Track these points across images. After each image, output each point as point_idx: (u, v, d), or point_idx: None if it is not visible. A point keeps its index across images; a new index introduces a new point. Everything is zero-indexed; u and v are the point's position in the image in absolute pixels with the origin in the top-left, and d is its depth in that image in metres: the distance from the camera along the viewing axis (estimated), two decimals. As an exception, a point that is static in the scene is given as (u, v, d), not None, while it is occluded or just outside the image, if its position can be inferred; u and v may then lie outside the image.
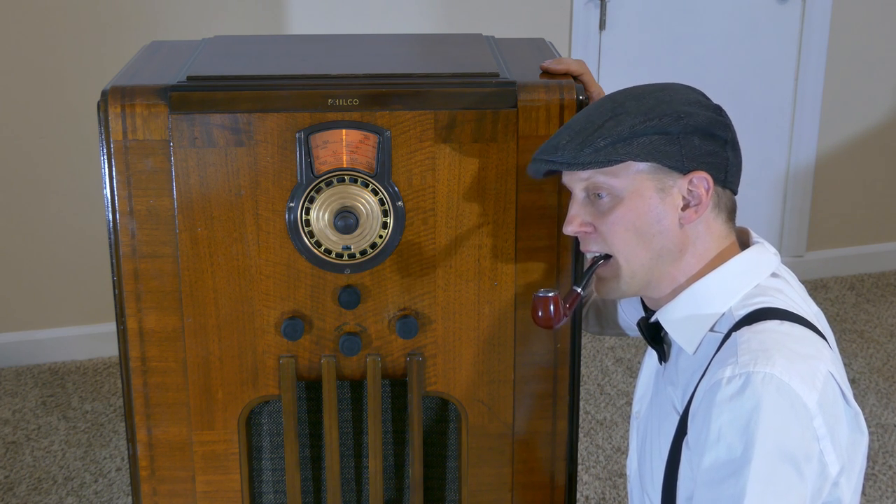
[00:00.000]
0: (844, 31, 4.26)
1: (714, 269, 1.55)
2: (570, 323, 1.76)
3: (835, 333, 1.70)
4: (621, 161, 1.49)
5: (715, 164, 1.52)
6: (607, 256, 1.56)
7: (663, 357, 1.63)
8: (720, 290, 1.54)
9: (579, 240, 1.60)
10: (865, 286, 4.46)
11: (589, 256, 1.61)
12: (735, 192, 1.57)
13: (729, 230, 1.58)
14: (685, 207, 1.52)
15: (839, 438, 1.45)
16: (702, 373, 1.50)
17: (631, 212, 1.51)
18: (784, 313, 1.49)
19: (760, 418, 1.39)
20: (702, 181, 1.51)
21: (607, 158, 1.48)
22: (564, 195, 1.67)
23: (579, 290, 1.60)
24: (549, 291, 1.59)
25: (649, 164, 1.50)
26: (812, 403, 1.41)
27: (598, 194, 1.52)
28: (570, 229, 1.56)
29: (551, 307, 1.58)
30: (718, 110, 1.54)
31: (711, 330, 1.54)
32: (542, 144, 1.55)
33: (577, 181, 1.54)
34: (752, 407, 1.39)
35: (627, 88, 1.56)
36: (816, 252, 4.53)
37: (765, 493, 1.39)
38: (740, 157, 1.56)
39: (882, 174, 4.53)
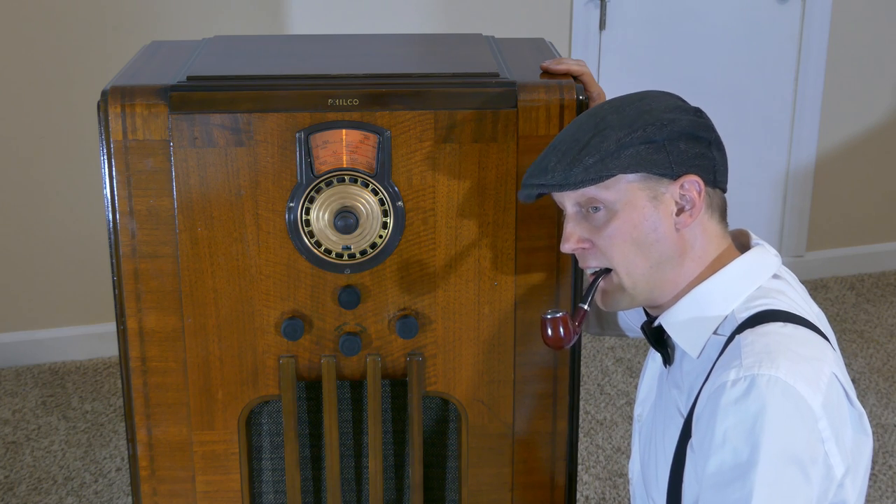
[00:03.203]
0: (844, 31, 4.26)
1: (715, 272, 1.54)
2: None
3: (835, 333, 1.70)
4: (612, 176, 1.49)
5: (703, 165, 1.52)
6: (607, 270, 1.56)
7: (668, 360, 1.62)
8: (722, 293, 1.54)
9: (577, 257, 1.59)
10: (865, 286, 4.45)
11: (588, 273, 1.60)
12: (725, 191, 1.58)
13: (724, 230, 1.58)
14: (679, 212, 1.52)
15: (844, 440, 1.45)
16: (705, 376, 1.50)
17: (627, 223, 1.51)
18: (787, 315, 1.49)
19: (766, 421, 1.39)
20: (693, 184, 1.51)
21: (598, 175, 1.48)
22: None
23: (585, 307, 1.58)
24: (558, 312, 1.58)
25: (639, 174, 1.50)
26: (817, 405, 1.41)
27: (592, 208, 1.52)
28: (567, 247, 1.55)
29: (561, 328, 1.57)
30: (698, 112, 1.55)
31: (715, 333, 1.53)
32: (530, 168, 1.54)
33: (567, 198, 1.54)
34: (758, 410, 1.39)
35: (606, 102, 1.57)
36: (816, 252, 4.52)
37: (771, 496, 1.39)
38: (726, 155, 1.56)
39: (882, 174, 4.53)
